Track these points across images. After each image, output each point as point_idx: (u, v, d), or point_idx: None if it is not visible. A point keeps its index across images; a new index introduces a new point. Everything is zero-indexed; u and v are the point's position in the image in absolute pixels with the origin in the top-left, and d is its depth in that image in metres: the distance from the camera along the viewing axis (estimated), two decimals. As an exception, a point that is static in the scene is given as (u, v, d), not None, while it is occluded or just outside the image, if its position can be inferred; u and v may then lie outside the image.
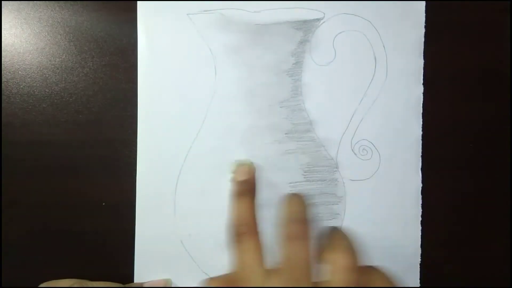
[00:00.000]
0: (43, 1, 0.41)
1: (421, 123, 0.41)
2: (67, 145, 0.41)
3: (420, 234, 0.41)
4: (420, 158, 0.42)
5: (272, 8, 0.41)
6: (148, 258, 0.41)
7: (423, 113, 0.41)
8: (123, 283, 0.41)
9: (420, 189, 0.42)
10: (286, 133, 0.42)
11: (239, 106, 0.41)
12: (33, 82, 0.41)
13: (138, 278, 0.41)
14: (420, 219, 0.41)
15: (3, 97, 0.41)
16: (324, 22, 0.41)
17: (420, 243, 0.42)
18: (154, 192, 0.41)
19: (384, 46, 0.41)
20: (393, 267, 0.41)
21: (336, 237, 0.33)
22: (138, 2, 0.41)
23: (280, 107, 0.42)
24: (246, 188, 0.38)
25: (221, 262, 0.41)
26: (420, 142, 0.41)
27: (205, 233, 0.41)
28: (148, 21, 0.41)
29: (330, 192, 0.42)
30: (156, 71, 0.41)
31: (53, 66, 0.42)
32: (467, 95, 0.42)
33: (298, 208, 0.34)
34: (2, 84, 0.41)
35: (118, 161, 0.41)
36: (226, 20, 0.41)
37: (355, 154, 0.42)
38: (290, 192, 0.40)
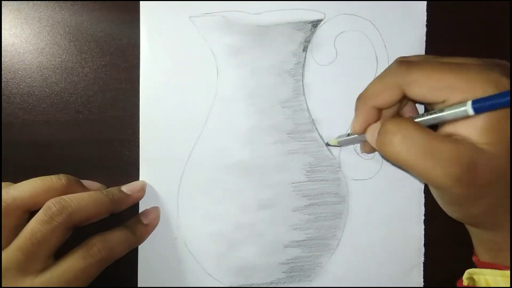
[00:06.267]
0: (43, 1, 0.41)
1: (423, 122, 0.41)
2: (67, 145, 0.41)
3: (423, 233, 0.41)
4: (423, 157, 0.42)
5: (273, 9, 0.41)
6: (151, 259, 0.41)
7: (425, 112, 0.41)
8: (126, 284, 0.40)
9: (423, 188, 0.42)
10: (288, 133, 0.41)
11: (241, 107, 0.41)
12: (33, 82, 0.41)
13: (141, 279, 0.40)
14: (423, 218, 0.41)
15: (3, 97, 0.41)
16: (325, 22, 0.42)
17: (423, 242, 0.42)
18: (157, 193, 0.41)
19: (385, 46, 0.42)
20: (397, 266, 0.42)
21: None
22: (140, 2, 0.41)
23: (282, 107, 0.42)
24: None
25: (225, 263, 0.41)
26: (423, 141, 0.41)
27: (209, 234, 0.41)
28: (151, 22, 0.41)
29: (333, 191, 0.42)
30: (158, 72, 0.41)
31: (53, 66, 0.41)
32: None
33: None
34: (2, 84, 0.41)
35: (118, 161, 0.41)
36: (228, 22, 0.41)
37: (357, 153, 0.42)
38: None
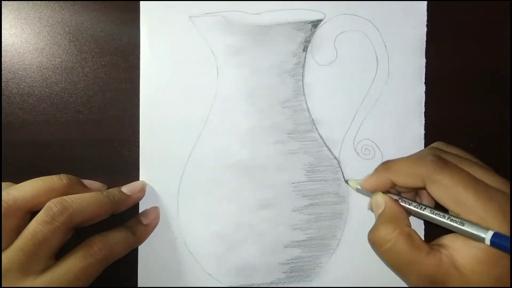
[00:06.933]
0: (43, 1, 0.41)
1: (423, 122, 0.41)
2: (67, 145, 0.41)
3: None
4: (423, 157, 0.42)
5: (273, 9, 0.41)
6: (151, 259, 0.41)
7: (425, 112, 0.42)
8: (126, 284, 0.40)
9: (423, 188, 0.42)
10: (288, 133, 0.41)
11: (241, 107, 0.41)
12: (33, 82, 0.41)
13: (141, 279, 0.40)
14: (423, 218, 0.41)
15: (3, 97, 0.41)
16: (325, 22, 0.42)
17: (423, 242, 0.42)
18: (157, 193, 0.41)
19: (385, 46, 0.41)
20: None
21: None
22: (140, 2, 0.41)
23: (282, 107, 0.42)
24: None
25: (225, 263, 0.41)
26: (423, 141, 0.41)
27: (209, 234, 0.41)
28: (151, 22, 0.41)
29: (333, 191, 0.42)
30: (158, 72, 0.41)
31: (53, 66, 0.41)
32: (468, 94, 0.42)
33: None
34: (2, 84, 0.41)
35: (118, 161, 0.41)
36: (228, 22, 0.41)
37: (357, 153, 0.42)
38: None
